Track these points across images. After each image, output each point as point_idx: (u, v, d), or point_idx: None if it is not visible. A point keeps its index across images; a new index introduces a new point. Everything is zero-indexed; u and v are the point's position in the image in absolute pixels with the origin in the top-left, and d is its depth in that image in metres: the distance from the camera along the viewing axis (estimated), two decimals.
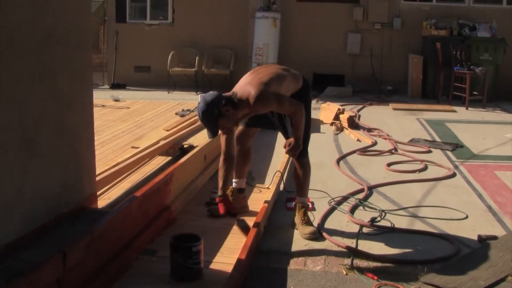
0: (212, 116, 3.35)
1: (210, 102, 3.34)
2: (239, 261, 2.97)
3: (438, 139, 6.73)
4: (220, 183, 3.65)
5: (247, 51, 10.49)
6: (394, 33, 10.43)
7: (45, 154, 2.80)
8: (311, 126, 3.82)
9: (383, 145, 6.39)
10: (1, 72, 2.41)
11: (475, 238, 3.70)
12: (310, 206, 4.09)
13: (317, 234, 3.69)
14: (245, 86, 3.48)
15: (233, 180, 3.96)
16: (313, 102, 7.58)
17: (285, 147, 3.60)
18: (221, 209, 3.61)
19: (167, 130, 6.35)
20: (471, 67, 9.01)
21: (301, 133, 3.53)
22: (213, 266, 3.13)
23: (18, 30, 2.54)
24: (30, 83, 2.66)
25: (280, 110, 3.58)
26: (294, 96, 3.60)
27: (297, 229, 3.77)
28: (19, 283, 2.16)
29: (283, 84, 3.56)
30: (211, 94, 3.40)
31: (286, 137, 3.72)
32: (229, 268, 2.95)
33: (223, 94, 3.43)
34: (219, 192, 3.63)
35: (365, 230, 3.82)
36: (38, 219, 2.72)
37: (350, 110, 8.19)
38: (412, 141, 6.55)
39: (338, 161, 5.62)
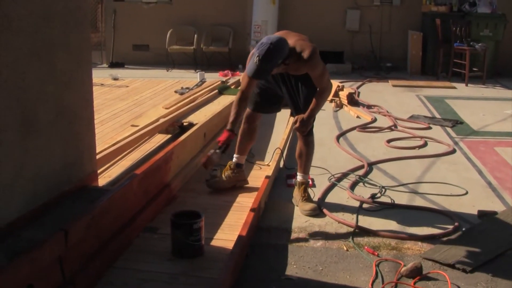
0: (275, 62, 3.28)
1: (280, 47, 3.27)
2: (239, 237, 2.99)
3: (437, 116, 6.73)
4: (231, 118, 3.62)
5: (245, 29, 10.42)
6: (393, 10, 10.34)
7: (44, 133, 2.79)
8: None
9: (383, 121, 6.38)
10: None
11: (475, 213, 3.72)
12: (310, 182, 4.10)
13: (318, 211, 3.70)
14: (299, 42, 3.42)
15: (234, 155, 3.99)
16: None
17: (295, 122, 3.58)
18: (223, 136, 3.60)
19: (167, 108, 6.32)
20: (471, 43, 8.96)
21: (316, 111, 3.54)
22: (214, 243, 3.14)
23: (15, 8, 2.51)
24: (28, 62, 2.63)
25: (319, 79, 3.50)
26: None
27: (297, 206, 3.79)
28: (21, 262, 2.17)
29: None
30: (281, 39, 3.31)
31: (296, 112, 3.70)
32: (230, 245, 2.96)
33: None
34: (229, 126, 3.60)
35: (365, 206, 3.84)
36: (39, 197, 2.72)
37: (349, 87, 8.16)
38: (412, 118, 6.54)
39: (338, 138, 5.62)
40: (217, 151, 3.61)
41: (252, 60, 3.29)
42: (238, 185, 3.99)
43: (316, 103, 3.53)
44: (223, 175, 3.98)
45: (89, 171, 3.30)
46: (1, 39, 2.40)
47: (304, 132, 3.65)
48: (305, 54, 3.36)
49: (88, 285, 2.58)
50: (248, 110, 3.88)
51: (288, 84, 3.68)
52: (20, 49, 2.56)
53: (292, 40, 3.43)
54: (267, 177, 4.04)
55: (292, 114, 4.01)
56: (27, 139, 2.64)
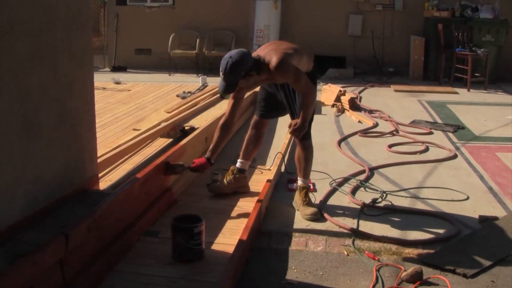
0: (237, 75, 3.34)
1: (240, 60, 3.32)
2: (240, 242, 2.99)
3: (439, 121, 6.72)
4: (211, 146, 3.71)
5: (248, 33, 10.43)
6: (395, 15, 10.34)
7: (46, 136, 2.80)
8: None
9: (385, 126, 6.38)
10: (2, 54, 2.40)
11: (476, 219, 3.71)
12: (311, 187, 4.10)
13: (318, 215, 3.70)
14: (269, 52, 3.45)
15: (238, 160, 4.00)
16: None
17: (290, 127, 3.59)
18: (198, 160, 3.71)
19: (168, 112, 6.34)
20: (473, 48, 8.95)
21: (308, 115, 3.54)
22: (214, 247, 3.15)
23: (18, 12, 2.52)
24: (31, 66, 2.65)
25: (295, 85, 3.54)
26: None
27: (298, 210, 3.79)
28: (22, 264, 2.17)
29: (302, 60, 3.57)
30: (241, 52, 3.37)
31: (292, 117, 3.72)
32: (230, 249, 2.97)
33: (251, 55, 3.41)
34: (207, 154, 3.70)
35: (366, 211, 3.83)
36: (40, 201, 2.73)
37: (351, 92, 8.17)
38: (414, 123, 6.54)
39: (339, 143, 5.62)
40: (187, 167, 3.72)
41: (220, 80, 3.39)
42: (239, 191, 3.98)
43: (305, 107, 3.52)
44: (224, 180, 3.98)
45: (90, 174, 3.31)
46: (3, 42, 2.42)
47: (298, 137, 3.65)
48: (272, 64, 3.38)
49: None
50: (255, 117, 3.90)
51: (286, 90, 3.70)
52: (23, 53, 2.57)
53: (265, 50, 3.48)
54: (268, 181, 4.04)
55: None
56: (29, 142, 2.65)
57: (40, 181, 2.75)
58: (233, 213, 3.67)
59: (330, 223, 3.62)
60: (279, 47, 3.52)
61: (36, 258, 2.25)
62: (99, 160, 3.76)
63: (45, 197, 2.78)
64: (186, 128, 5.39)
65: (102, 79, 8.97)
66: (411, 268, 2.94)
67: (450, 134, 6.06)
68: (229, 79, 3.35)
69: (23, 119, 2.60)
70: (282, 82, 3.65)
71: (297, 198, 3.84)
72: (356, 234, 3.45)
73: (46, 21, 2.76)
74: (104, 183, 3.83)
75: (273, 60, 3.36)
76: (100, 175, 3.76)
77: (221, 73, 3.37)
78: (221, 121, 3.72)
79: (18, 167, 2.57)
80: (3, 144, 2.45)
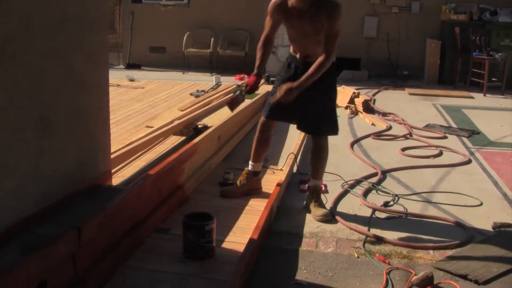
0: None
1: None
2: (251, 241, 2.99)
3: (454, 125, 6.68)
4: (257, 63, 3.76)
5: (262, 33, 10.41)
6: (411, 17, 10.29)
7: (60, 133, 2.82)
8: None
9: (398, 129, 6.35)
10: (17, 52, 2.42)
11: (489, 225, 3.67)
12: (323, 188, 4.09)
13: (330, 217, 3.69)
14: None
15: (250, 163, 3.97)
16: None
17: (282, 91, 3.49)
18: (250, 79, 3.72)
19: (182, 110, 6.36)
20: (491, 52, 8.87)
21: (308, 81, 3.46)
22: (225, 245, 3.15)
23: (34, 10, 2.54)
24: (46, 63, 2.66)
25: (329, 37, 3.44)
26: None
27: (309, 211, 3.78)
28: (35, 257, 2.19)
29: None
30: None
31: (300, 125, 3.74)
32: (241, 248, 2.97)
33: None
34: (255, 70, 3.73)
35: (377, 214, 3.82)
36: (53, 195, 2.75)
37: (365, 94, 8.14)
38: (428, 127, 6.50)
39: (352, 145, 5.60)
40: (243, 93, 3.78)
41: None
42: (252, 193, 3.96)
43: (312, 71, 3.46)
44: (238, 182, 3.96)
45: (103, 170, 3.33)
46: (19, 40, 2.43)
47: (284, 99, 3.51)
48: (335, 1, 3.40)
49: (100, 283, 2.60)
50: (262, 118, 3.87)
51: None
52: (38, 50, 2.59)
53: None
54: (279, 181, 4.04)
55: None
56: (43, 139, 2.67)
57: (54, 176, 2.77)
58: (244, 212, 3.67)
59: (341, 225, 3.61)
60: None
61: (49, 251, 2.27)
62: (112, 156, 3.78)
63: (58, 191, 2.80)
64: (199, 126, 5.40)
65: (116, 76, 9.03)
66: (422, 272, 2.92)
67: (465, 139, 6.01)
68: None
69: (38, 115, 2.62)
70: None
71: (309, 199, 3.83)
72: (367, 236, 3.44)
73: (62, 19, 2.78)
74: (116, 179, 3.85)
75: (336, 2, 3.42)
76: (113, 171, 3.78)
77: None
78: (262, 38, 3.80)
79: (33, 162, 2.59)
80: (18, 140, 2.47)
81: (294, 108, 3.63)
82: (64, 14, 2.79)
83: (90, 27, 3.07)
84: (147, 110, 6.79)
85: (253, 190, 3.97)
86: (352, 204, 3.99)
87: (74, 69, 2.92)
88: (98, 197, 3.00)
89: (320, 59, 3.47)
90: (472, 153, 5.45)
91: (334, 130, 3.76)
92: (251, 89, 3.75)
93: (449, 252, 3.28)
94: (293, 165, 4.61)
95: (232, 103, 3.86)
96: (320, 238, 3.42)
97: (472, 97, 8.63)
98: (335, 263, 3.12)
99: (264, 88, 7.52)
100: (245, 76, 9.39)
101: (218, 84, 8.51)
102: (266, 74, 8.36)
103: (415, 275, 2.93)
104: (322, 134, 3.75)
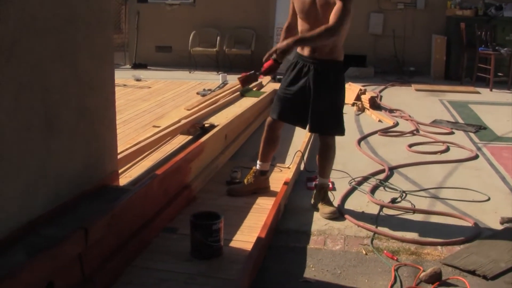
0: None
1: None
2: (258, 239, 2.99)
3: (460, 121, 6.65)
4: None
5: (268, 32, 10.42)
6: (417, 13, 10.26)
7: (67, 133, 2.83)
8: None
9: (405, 126, 6.33)
10: (24, 51, 2.43)
11: (497, 220, 3.66)
12: (331, 186, 4.08)
13: (337, 214, 3.69)
14: None
15: (258, 163, 3.96)
16: None
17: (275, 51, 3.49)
18: (267, 63, 3.62)
19: (188, 110, 6.36)
20: (496, 47, 8.84)
21: (302, 42, 3.54)
22: (233, 244, 3.15)
23: (41, 11, 2.55)
24: (52, 63, 2.67)
25: (337, 8, 3.37)
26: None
27: (317, 209, 3.77)
28: (42, 258, 2.20)
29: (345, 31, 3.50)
30: None
31: (300, 119, 3.72)
32: (248, 247, 2.97)
33: None
34: (274, 56, 3.58)
35: (385, 210, 3.81)
36: (60, 196, 2.76)
37: (371, 91, 8.13)
38: (434, 123, 6.48)
39: (359, 142, 5.59)
40: (257, 73, 3.72)
41: None
42: (259, 192, 3.96)
43: (311, 33, 3.46)
44: (245, 180, 3.97)
45: (110, 170, 3.34)
46: (26, 40, 2.44)
47: (280, 59, 3.51)
48: None
49: (107, 283, 2.61)
50: (269, 118, 3.86)
51: (308, 86, 3.63)
52: (45, 51, 2.60)
53: None
54: (287, 179, 4.04)
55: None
56: (50, 139, 2.68)
57: (60, 177, 2.78)
58: (252, 211, 3.67)
59: (349, 222, 3.61)
60: None
61: (56, 252, 2.27)
62: (119, 157, 3.79)
63: (65, 192, 2.81)
64: (206, 125, 5.40)
65: (123, 76, 9.05)
66: (430, 268, 2.91)
67: (472, 134, 5.99)
68: None
69: (45, 116, 2.63)
70: (320, 81, 3.55)
71: (316, 197, 3.83)
72: (375, 233, 3.43)
73: (68, 19, 2.79)
74: (123, 179, 3.85)
75: None
76: (120, 171, 3.79)
77: None
78: (285, 25, 3.83)
79: (40, 163, 2.60)
80: (25, 140, 2.48)
81: (302, 108, 3.63)
82: (70, 14, 2.80)
83: (96, 27, 3.08)
84: (153, 109, 6.81)
85: (261, 189, 3.97)
86: (360, 201, 3.98)
87: (80, 69, 2.93)
88: (105, 197, 3.00)
89: (322, 26, 3.41)
90: (479, 149, 5.43)
91: (340, 131, 3.74)
92: (266, 71, 3.64)
93: (457, 248, 3.27)
94: (300, 163, 4.61)
95: (244, 79, 3.79)
96: (328, 236, 3.42)
97: (478, 92, 8.59)
98: (343, 260, 3.12)
99: (271, 86, 7.53)
100: None
101: (224, 83, 8.52)
102: None
103: (424, 271, 2.93)
104: (328, 134, 3.74)
